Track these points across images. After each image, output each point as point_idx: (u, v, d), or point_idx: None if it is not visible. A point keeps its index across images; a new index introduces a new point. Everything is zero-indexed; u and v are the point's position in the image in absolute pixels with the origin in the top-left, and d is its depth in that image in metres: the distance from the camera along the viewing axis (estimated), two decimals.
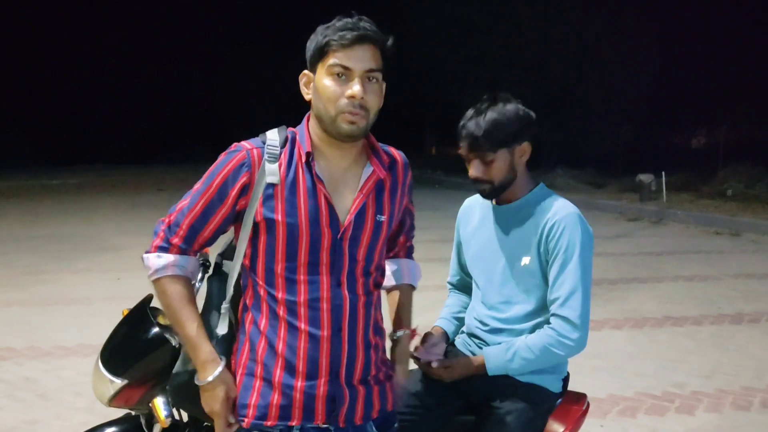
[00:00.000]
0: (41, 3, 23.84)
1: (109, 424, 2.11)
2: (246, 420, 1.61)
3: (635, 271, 7.62)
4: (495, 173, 2.04)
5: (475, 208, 2.27)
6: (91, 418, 3.38)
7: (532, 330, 2.06)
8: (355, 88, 1.51)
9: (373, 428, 1.67)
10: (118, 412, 2.14)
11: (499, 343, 2.08)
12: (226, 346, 1.67)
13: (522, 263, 2.05)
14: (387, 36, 1.58)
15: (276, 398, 1.59)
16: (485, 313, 2.15)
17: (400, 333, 1.84)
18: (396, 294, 1.88)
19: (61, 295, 6.45)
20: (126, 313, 2.03)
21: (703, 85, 17.26)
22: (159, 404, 1.88)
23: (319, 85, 1.55)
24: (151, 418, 1.97)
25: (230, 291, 1.67)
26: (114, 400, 1.90)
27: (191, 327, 1.59)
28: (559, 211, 2.02)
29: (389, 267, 1.85)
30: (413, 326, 1.90)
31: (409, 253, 1.92)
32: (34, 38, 24.02)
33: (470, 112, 2.06)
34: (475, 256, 2.22)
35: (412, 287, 1.91)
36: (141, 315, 1.98)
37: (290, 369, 1.58)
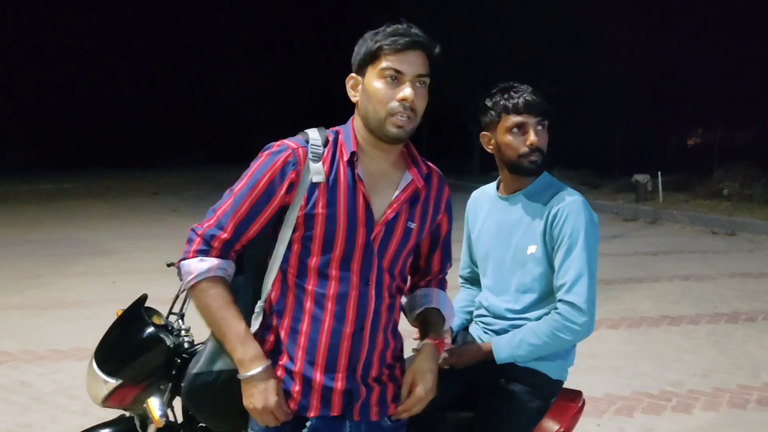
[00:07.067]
0: (37, 6, 23.81)
1: (104, 425, 2.10)
2: None
3: (632, 270, 7.63)
4: (545, 142, 2.09)
5: (483, 200, 2.29)
6: (87, 421, 3.36)
7: (540, 318, 2.06)
8: (407, 91, 1.56)
9: (388, 421, 1.71)
10: (113, 414, 2.13)
11: (507, 332, 2.08)
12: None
13: (528, 252, 2.06)
14: (436, 44, 1.62)
15: (296, 388, 1.62)
16: (494, 300, 2.15)
17: (424, 341, 1.73)
18: (423, 314, 1.81)
19: (56, 299, 6.42)
20: (120, 313, 2.02)
21: (698, 85, 17.33)
22: (153, 404, 1.87)
23: (369, 87, 1.59)
24: (146, 419, 1.96)
25: (267, 288, 1.65)
26: (108, 401, 1.89)
27: (238, 325, 1.58)
28: (563, 198, 2.04)
29: (420, 294, 1.84)
30: (444, 337, 1.79)
31: (441, 286, 1.89)
32: (29, 42, 23.98)
33: (507, 87, 2.09)
34: (485, 246, 2.22)
35: (440, 312, 1.82)
36: (135, 315, 1.98)
37: (310, 361, 1.61)
